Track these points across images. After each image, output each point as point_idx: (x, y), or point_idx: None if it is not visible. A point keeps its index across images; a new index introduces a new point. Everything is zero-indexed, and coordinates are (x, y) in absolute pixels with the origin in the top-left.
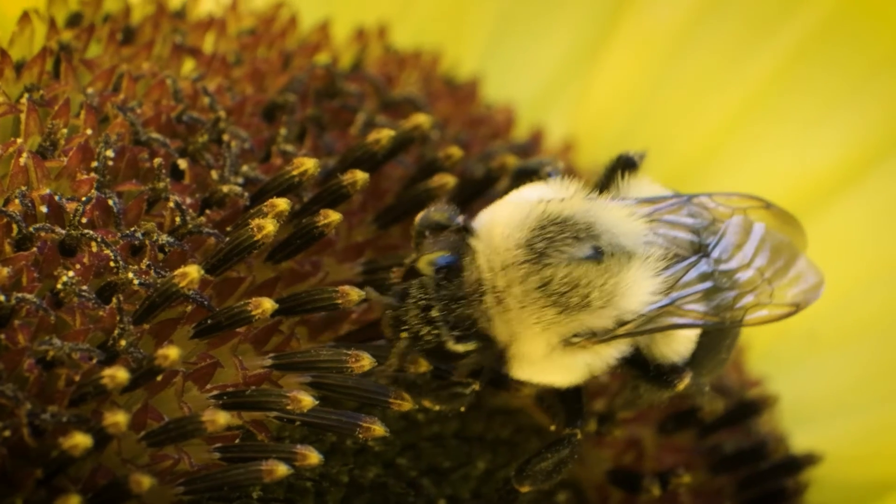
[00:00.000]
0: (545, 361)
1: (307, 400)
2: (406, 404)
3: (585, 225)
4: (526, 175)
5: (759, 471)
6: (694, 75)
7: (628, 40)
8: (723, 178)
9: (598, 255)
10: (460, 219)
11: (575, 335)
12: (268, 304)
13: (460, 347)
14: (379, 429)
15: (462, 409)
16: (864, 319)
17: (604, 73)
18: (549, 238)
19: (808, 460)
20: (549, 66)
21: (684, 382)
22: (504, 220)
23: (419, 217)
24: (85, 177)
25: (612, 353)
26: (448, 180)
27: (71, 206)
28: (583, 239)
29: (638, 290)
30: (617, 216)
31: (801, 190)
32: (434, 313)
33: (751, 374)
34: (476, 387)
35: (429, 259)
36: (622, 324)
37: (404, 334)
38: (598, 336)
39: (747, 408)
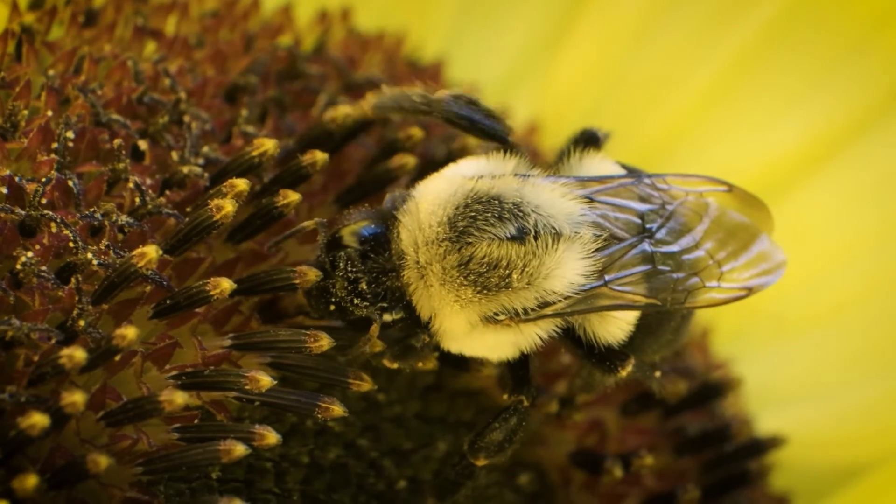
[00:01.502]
0: (468, 338)
1: (265, 380)
2: (365, 385)
3: (512, 204)
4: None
5: (722, 453)
6: (660, 57)
7: (594, 21)
8: (690, 160)
9: (521, 236)
10: (398, 193)
11: (496, 314)
12: (226, 284)
13: (387, 317)
14: (338, 409)
15: (420, 364)
16: (833, 303)
17: (569, 55)
18: (471, 217)
19: (772, 443)
20: (513, 48)
21: (627, 370)
22: (432, 195)
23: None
24: (45, 158)
25: (538, 332)
26: (408, 161)
27: (31, 187)
28: (507, 219)
29: (564, 271)
30: (548, 195)
31: (769, 172)
32: (362, 286)
33: (716, 357)
34: (426, 338)
35: (352, 230)
36: (545, 304)
37: (332, 306)
38: (521, 316)
39: (711, 390)
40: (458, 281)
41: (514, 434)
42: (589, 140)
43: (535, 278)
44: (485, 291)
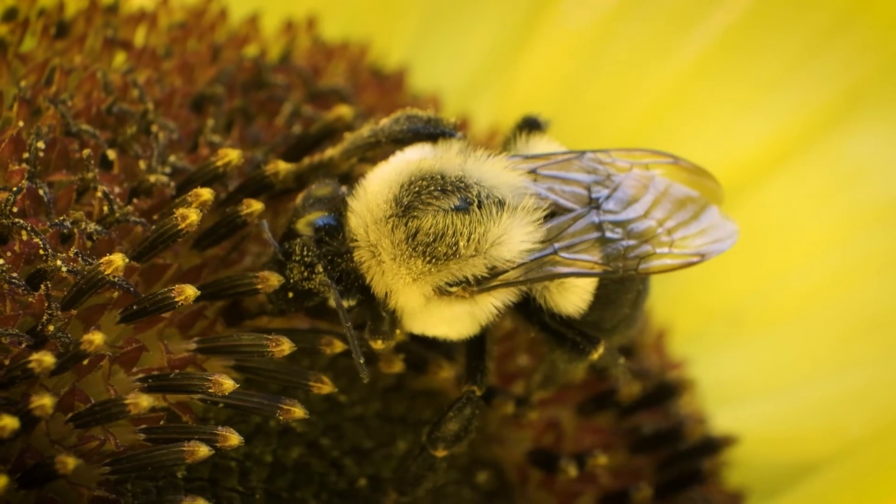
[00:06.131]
0: (425, 313)
1: (228, 383)
2: (326, 387)
3: (455, 178)
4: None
5: (676, 452)
6: (620, 63)
7: (555, 29)
8: None
9: (465, 206)
10: (344, 189)
11: (448, 284)
12: (190, 291)
13: (344, 302)
14: (299, 411)
15: (391, 342)
16: (790, 302)
17: (530, 61)
18: (416, 192)
19: (726, 442)
20: (476, 56)
21: (598, 352)
22: (379, 179)
23: (301, 196)
24: (17, 167)
25: (494, 302)
26: (368, 168)
27: (2, 196)
28: (450, 191)
29: (511, 238)
30: (491, 168)
31: (730, 174)
32: (318, 269)
33: (672, 357)
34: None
35: (307, 220)
36: (497, 273)
37: (290, 293)
38: (474, 285)
39: (666, 390)
40: (407, 253)
41: (470, 423)
42: (532, 126)
43: (482, 246)
44: (434, 261)
